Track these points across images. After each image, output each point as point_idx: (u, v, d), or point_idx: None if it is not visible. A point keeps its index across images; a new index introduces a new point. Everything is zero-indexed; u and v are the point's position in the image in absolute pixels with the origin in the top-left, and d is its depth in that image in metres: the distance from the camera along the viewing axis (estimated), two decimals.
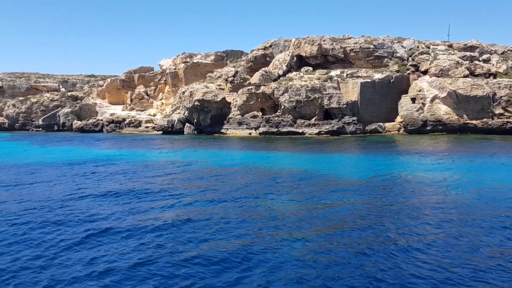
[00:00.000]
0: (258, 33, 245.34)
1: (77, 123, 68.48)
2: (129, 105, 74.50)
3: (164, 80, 74.25)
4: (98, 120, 68.32)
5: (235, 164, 23.63)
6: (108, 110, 75.24)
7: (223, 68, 64.89)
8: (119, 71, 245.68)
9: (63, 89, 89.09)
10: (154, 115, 69.70)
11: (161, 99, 72.53)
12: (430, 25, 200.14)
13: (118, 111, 73.13)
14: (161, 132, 58.95)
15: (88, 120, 69.38)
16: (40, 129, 76.45)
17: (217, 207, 13.06)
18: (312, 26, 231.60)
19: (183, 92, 59.99)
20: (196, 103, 55.70)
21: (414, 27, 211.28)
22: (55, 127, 74.53)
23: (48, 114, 75.61)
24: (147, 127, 64.91)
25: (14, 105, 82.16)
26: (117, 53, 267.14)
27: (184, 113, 58.17)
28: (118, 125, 66.71)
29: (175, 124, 57.75)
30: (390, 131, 47.95)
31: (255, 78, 52.06)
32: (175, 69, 69.84)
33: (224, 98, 55.19)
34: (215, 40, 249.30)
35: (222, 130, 53.22)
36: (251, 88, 51.86)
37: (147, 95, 75.02)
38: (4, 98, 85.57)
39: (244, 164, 23.44)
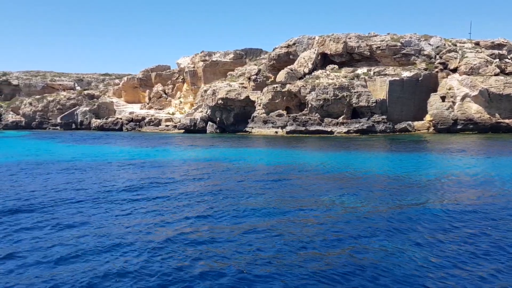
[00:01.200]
0: (276, 32, 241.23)
1: (96, 122, 67.64)
2: (147, 103, 73.47)
3: (182, 79, 73.10)
4: (118, 118, 67.43)
5: (282, 163, 22.32)
6: (125, 109, 74.33)
7: (244, 67, 63.89)
8: (133, 70, 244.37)
9: (78, 88, 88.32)
10: (173, 113, 68.70)
11: (179, 98, 71.46)
12: (448, 23, 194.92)
13: (137, 109, 72.12)
14: (183, 130, 57.96)
15: (107, 119, 68.53)
16: (58, 127, 75.59)
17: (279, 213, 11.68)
18: (330, 24, 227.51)
19: (205, 91, 58.96)
20: (219, 101, 54.69)
21: (433, 25, 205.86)
22: (73, 126, 73.63)
23: (66, 113, 74.76)
24: (167, 125, 63.96)
25: (30, 104, 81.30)
26: (131, 52, 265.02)
27: (206, 112, 57.17)
28: (137, 123, 65.80)
29: (197, 122, 56.76)
30: (419, 130, 46.78)
31: (281, 76, 50.94)
32: (193, 67, 68.69)
33: (247, 97, 54.16)
34: (233, 39, 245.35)
35: (247, 129, 52.17)
36: (277, 86, 50.77)
37: (165, 93, 73.96)
38: (20, 97, 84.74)
39: (290, 164, 22.16)
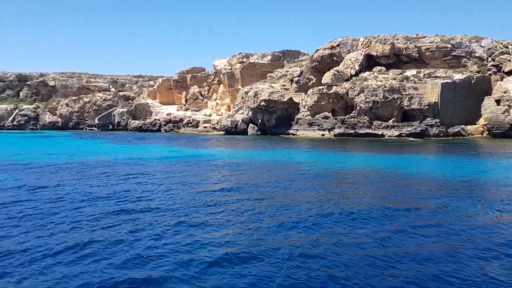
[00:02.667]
0: (313, 33, 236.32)
1: (134, 123, 67.56)
2: (184, 105, 73.17)
3: (218, 81, 72.47)
4: (156, 120, 67.25)
5: (350, 168, 20.87)
6: (161, 110, 74.11)
7: (283, 68, 63.01)
8: (165, 71, 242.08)
9: (113, 89, 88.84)
10: (210, 115, 68.15)
11: (215, 100, 70.85)
12: (495, 24, 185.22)
13: (173, 111, 71.85)
14: (224, 132, 57.20)
15: (145, 120, 68.33)
16: (95, 128, 75.89)
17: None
18: (368, 25, 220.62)
19: (246, 92, 58.06)
20: (262, 103, 53.75)
21: (477, 26, 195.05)
22: (110, 126, 73.79)
23: (103, 114, 74.96)
24: (205, 127, 63.49)
25: (67, 104, 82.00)
26: (162, 54, 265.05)
27: (247, 114, 56.27)
28: (175, 125, 65.52)
29: (239, 124, 55.94)
30: (472, 134, 44.86)
31: (326, 78, 49.70)
32: (231, 69, 68.03)
33: (291, 99, 53.09)
34: (269, 41, 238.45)
35: (291, 131, 51.07)
36: (322, 88, 49.57)
37: (201, 95, 73.53)
38: (57, 98, 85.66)
39: (361, 168, 20.79)
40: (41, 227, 9.48)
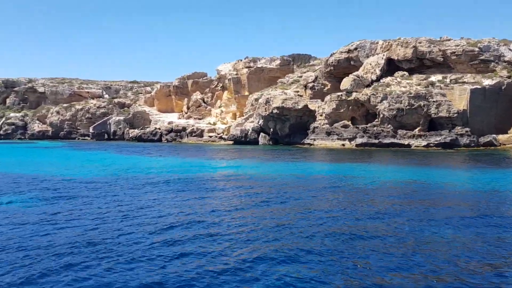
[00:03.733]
0: (323, 36, 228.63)
1: (133, 132, 65.22)
2: (185, 113, 70.95)
3: (222, 87, 70.67)
4: (156, 129, 64.96)
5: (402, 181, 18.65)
6: (161, 118, 72.01)
7: (295, 73, 61.33)
8: (162, 77, 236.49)
9: (106, 96, 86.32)
10: (214, 123, 66.01)
11: (219, 107, 68.82)
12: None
13: (174, 119, 69.85)
14: (232, 142, 55.06)
15: (144, 129, 65.85)
16: (89, 137, 73.07)
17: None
18: (384, 27, 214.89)
19: (256, 99, 56.20)
20: (274, 111, 51.70)
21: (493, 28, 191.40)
22: (105, 136, 71.28)
23: (98, 122, 72.35)
24: (210, 136, 61.35)
25: (58, 112, 79.11)
26: (159, 59, 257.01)
27: (258, 122, 54.29)
28: (178, 134, 63.36)
29: (249, 133, 53.86)
30: (504, 144, 43.00)
31: (345, 83, 47.75)
32: (236, 74, 66.18)
33: (306, 106, 51.15)
34: (275, 45, 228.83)
35: (307, 141, 49.08)
36: (341, 95, 47.64)
37: (204, 102, 71.39)
38: (47, 105, 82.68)
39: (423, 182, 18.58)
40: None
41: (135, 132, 64.92)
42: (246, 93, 64.19)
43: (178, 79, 76.40)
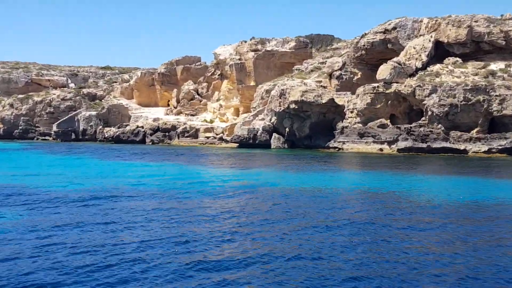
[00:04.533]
0: (350, 13, 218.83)
1: (109, 131, 65.11)
2: (174, 107, 71.03)
3: (220, 74, 70.71)
4: (138, 127, 64.76)
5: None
6: (143, 114, 71.94)
7: (314, 59, 61.40)
8: (143, 62, 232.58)
9: (72, 85, 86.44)
10: (211, 121, 66.01)
11: (217, 100, 68.99)
12: None
13: (161, 115, 69.71)
14: (237, 144, 55.02)
15: (124, 127, 65.67)
16: (50, 137, 72.56)
17: None
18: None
19: (267, 91, 56.53)
20: (292, 105, 51.84)
21: None
22: (73, 135, 70.95)
23: (63, 118, 71.99)
24: (207, 137, 61.58)
25: (11, 105, 78.58)
26: (139, 39, 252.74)
27: (270, 120, 54.43)
28: (166, 134, 63.31)
29: (258, 134, 53.90)
30: None
31: (383, 72, 47.79)
32: (240, 59, 66.17)
33: (331, 100, 51.26)
34: (285, 22, 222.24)
35: (335, 144, 49.25)
36: (378, 86, 47.68)
37: (198, 94, 71.43)
38: None
39: None
40: None
41: (111, 131, 64.72)
42: (252, 83, 64.42)
43: (164, 64, 76.37)
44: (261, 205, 17.46)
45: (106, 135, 65.54)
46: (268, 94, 55.83)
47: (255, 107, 57.70)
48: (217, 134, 61.24)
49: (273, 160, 40.16)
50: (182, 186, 22.42)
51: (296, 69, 60.08)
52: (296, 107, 51.66)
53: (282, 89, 52.92)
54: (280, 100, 52.91)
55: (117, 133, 64.01)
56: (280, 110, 52.81)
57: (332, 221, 14.45)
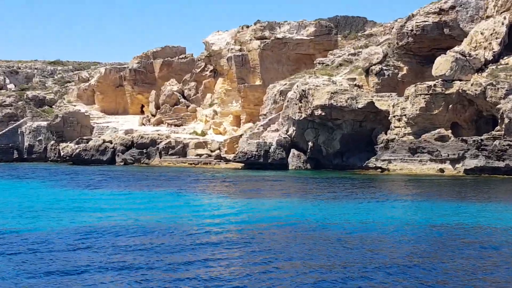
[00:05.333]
0: None
1: (66, 148, 64.32)
2: (153, 115, 71.25)
3: (212, 71, 71.25)
4: (106, 143, 63.96)
5: None
6: (110, 124, 71.94)
7: (343, 49, 61.29)
8: (105, 56, 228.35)
9: (12, 86, 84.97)
10: (203, 133, 65.76)
11: (211, 105, 68.98)
12: None
13: (134, 125, 69.89)
14: (242, 164, 54.43)
15: (84, 142, 64.82)
16: None
17: None
18: None
19: (282, 92, 56.00)
20: (317, 112, 50.82)
21: None
22: (15, 154, 70.31)
23: (3, 131, 71.06)
24: (199, 154, 60.71)
25: None
26: (99, 27, 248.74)
27: (287, 131, 53.80)
28: (144, 151, 62.48)
29: (271, 150, 53.07)
30: None
31: (442, 66, 46.44)
32: (240, 50, 65.78)
33: (371, 103, 49.92)
34: (295, 2, 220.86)
35: (377, 163, 48.23)
36: (435, 86, 46.35)
37: (184, 97, 71.82)
38: None
39: None
40: None
41: (69, 147, 63.54)
42: (258, 82, 64.18)
43: (137, 58, 77.41)
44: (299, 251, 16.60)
45: (62, 153, 64.25)
46: (283, 96, 55.13)
47: (265, 114, 57.04)
48: (212, 151, 60.62)
49: (294, 186, 39.64)
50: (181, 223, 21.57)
51: (319, 63, 59.17)
52: (323, 113, 50.45)
53: (303, 90, 51.83)
54: (300, 104, 52.08)
55: (77, 151, 62.84)
56: (301, 118, 51.87)
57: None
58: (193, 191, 35.43)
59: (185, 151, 61.22)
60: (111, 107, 77.79)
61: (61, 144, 65.68)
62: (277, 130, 54.53)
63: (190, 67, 73.66)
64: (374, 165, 48.24)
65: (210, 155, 59.81)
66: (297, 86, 53.03)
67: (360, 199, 30.49)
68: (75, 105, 76.82)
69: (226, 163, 56.79)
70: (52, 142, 68.09)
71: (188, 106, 70.32)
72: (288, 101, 53.40)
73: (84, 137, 67.36)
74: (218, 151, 59.70)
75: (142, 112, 77.08)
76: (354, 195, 32.46)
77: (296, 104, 52.28)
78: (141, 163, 61.34)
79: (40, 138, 69.49)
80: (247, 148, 53.52)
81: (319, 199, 30.63)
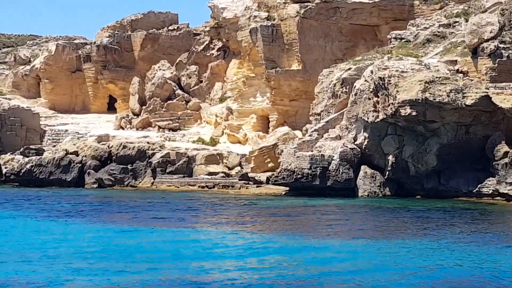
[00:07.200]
0: None
1: (10, 162, 63.89)
2: (136, 114, 71.62)
3: (221, 49, 71.70)
4: (69, 155, 63.54)
5: None
6: (68, 127, 73.98)
7: (430, 19, 60.54)
8: (53, 26, 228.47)
9: None
10: (214, 141, 66.24)
11: (222, 99, 70.08)
12: None
13: (108, 129, 70.83)
14: (286, 189, 53.31)
15: (36, 154, 64.62)
16: None
17: None
18: None
19: (343, 81, 54.42)
20: (404, 110, 48.45)
21: None
22: None
23: None
24: (213, 173, 60.18)
25: None
26: None
27: (355, 139, 52.43)
28: (129, 167, 61.77)
29: (332, 167, 51.40)
30: None
31: None
32: (268, 18, 66.09)
33: (485, 98, 47.84)
34: None
35: (497, 188, 46.38)
36: None
37: (180, 87, 72.61)
38: None
39: None
40: None
41: (14, 162, 62.92)
42: (296, 66, 63.79)
43: (107, 29, 79.56)
44: None
45: (4, 170, 63.58)
46: (346, 87, 53.68)
47: (319, 114, 55.75)
48: (229, 168, 60.56)
49: (371, 222, 38.10)
50: None
51: (396, 38, 58.13)
52: (413, 113, 48.22)
53: (380, 78, 49.84)
54: (376, 99, 50.38)
55: (27, 166, 62.10)
56: (377, 120, 50.03)
57: None
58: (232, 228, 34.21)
59: (190, 167, 60.89)
60: (65, 102, 79.94)
61: (2, 156, 65.09)
62: (339, 138, 53.16)
63: (186, 43, 75.38)
64: (493, 191, 46.63)
65: (228, 174, 59.57)
66: (371, 71, 51.49)
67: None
68: (10, 99, 76.54)
69: (257, 186, 55.59)
70: None
71: (187, 101, 71.17)
72: (356, 95, 52.09)
73: (32, 146, 67.03)
74: (238, 167, 59.56)
75: (110, 109, 77.66)
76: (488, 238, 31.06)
77: (369, 99, 50.71)
78: (124, 185, 60.82)
79: None
80: (295, 164, 51.54)
81: (425, 247, 27.91)
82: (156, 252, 26.51)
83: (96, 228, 35.28)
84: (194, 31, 74.77)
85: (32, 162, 62.22)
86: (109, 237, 32.01)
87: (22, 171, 61.94)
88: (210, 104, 70.14)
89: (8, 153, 65.60)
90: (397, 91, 48.64)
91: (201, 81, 71.48)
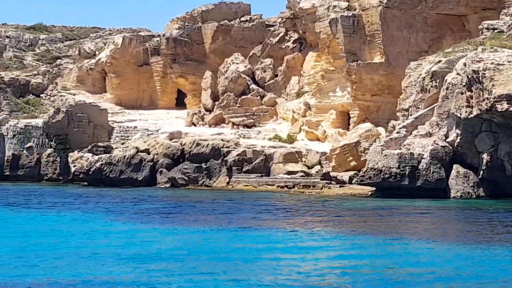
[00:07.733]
0: None
1: (80, 160, 64.64)
2: (208, 110, 71.84)
3: (298, 41, 72.77)
4: (140, 153, 64.90)
5: None
6: (137, 124, 74.49)
7: None
8: (119, 18, 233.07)
9: None
10: (291, 138, 67.05)
11: (299, 94, 69.64)
12: None
13: (179, 125, 71.61)
14: (372, 189, 54.14)
15: (105, 152, 65.83)
16: None
17: None
18: None
19: (433, 74, 54.60)
20: (500, 105, 49.58)
21: None
22: None
23: None
24: (291, 172, 60.76)
25: None
26: None
27: (446, 137, 53.01)
28: (203, 166, 62.66)
29: (422, 166, 51.98)
30: None
31: None
32: (349, 9, 66.86)
33: None
34: None
35: None
36: None
37: (255, 81, 73.13)
38: None
39: None
40: None
41: (83, 160, 64.03)
42: (379, 59, 64.28)
43: (177, 21, 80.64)
44: None
45: (73, 169, 64.59)
46: (434, 80, 54.19)
47: (407, 110, 56.16)
48: (309, 167, 61.28)
49: (469, 225, 37.61)
50: None
51: (488, 28, 58.01)
52: (511, 108, 48.31)
53: (474, 71, 50.22)
54: (469, 94, 50.62)
55: (97, 165, 63.64)
56: (471, 116, 50.52)
57: None
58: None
59: (268, 166, 61.59)
60: (131, 97, 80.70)
61: (70, 154, 66.03)
62: (429, 135, 53.65)
63: (259, 35, 75.62)
64: None
65: (308, 173, 60.00)
66: (464, 64, 51.69)
67: None
68: (74, 94, 78.16)
69: (340, 186, 56.14)
70: (49, 151, 68.36)
71: (262, 96, 71.43)
72: (447, 89, 52.30)
73: (100, 144, 68.00)
74: (318, 166, 60.04)
75: (178, 105, 78.52)
76: None
77: (462, 94, 51.03)
78: (199, 185, 61.52)
79: (30, 143, 69.88)
80: (383, 163, 52.44)
81: None
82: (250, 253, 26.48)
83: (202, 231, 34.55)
84: (267, 23, 75.53)
85: (102, 161, 63.61)
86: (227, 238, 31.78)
87: (92, 169, 63.35)
88: (286, 99, 70.68)
89: (76, 151, 66.70)
90: (493, 85, 48.81)
91: (276, 75, 71.88)
